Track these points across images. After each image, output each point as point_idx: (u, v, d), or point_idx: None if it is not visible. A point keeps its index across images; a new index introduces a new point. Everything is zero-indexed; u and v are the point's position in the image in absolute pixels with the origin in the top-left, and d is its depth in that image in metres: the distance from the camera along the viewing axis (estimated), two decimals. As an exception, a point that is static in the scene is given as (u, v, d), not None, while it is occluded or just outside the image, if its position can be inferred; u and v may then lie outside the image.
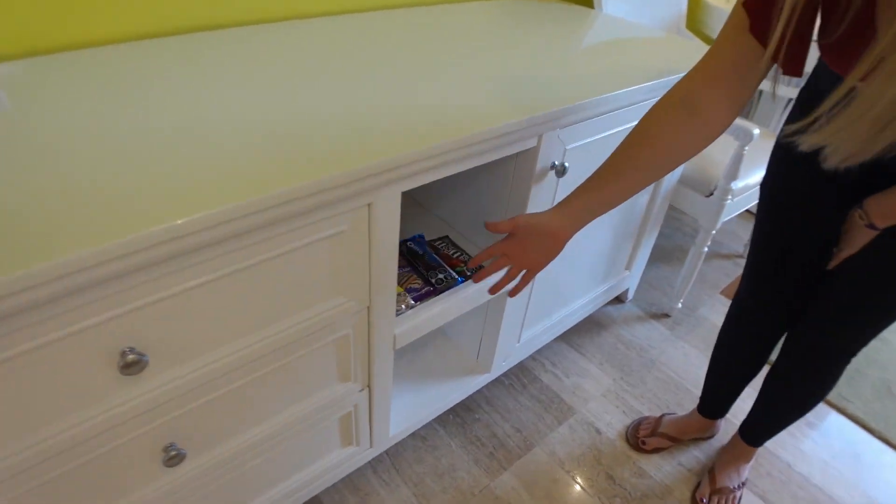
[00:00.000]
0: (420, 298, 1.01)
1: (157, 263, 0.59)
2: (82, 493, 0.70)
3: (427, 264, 1.07)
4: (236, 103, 0.78)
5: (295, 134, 0.72)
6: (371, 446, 1.15)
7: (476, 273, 0.82)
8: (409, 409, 1.24)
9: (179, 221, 0.56)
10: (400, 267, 1.06)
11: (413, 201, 1.32)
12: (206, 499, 0.88)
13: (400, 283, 1.03)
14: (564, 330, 1.55)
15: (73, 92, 0.77)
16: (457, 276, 1.05)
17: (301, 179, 0.64)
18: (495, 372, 1.36)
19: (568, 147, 0.99)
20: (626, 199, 0.75)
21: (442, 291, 1.04)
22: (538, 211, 0.78)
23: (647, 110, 0.73)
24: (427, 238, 1.16)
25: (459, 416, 1.38)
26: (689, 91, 0.70)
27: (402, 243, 1.12)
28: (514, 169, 1.00)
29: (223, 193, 0.60)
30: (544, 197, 1.03)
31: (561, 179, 1.04)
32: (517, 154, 0.97)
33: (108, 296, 0.58)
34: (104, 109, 0.73)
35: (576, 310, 1.49)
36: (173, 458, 0.74)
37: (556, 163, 0.98)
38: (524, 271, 0.81)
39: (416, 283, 1.03)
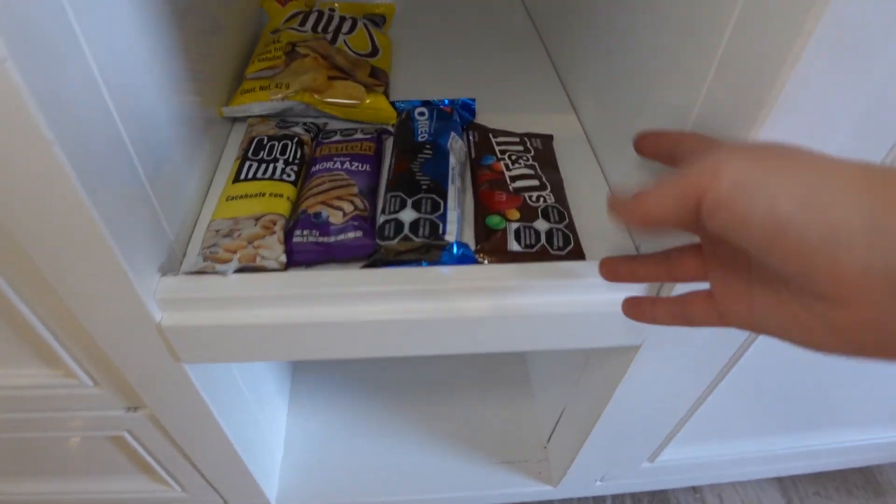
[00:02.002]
0: (309, 259, 0.33)
1: None
2: None
3: (413, 178, 0.36)
4: None
5: None
6: (225, 503, 0.56)
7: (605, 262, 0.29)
8: (389, 471, 0.60)
9: None
10: (356, 158, 0.39)
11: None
12: None
13: (313, 194, 0.36)
14: (791, 474, 0.69)
15: None
16: (450, 240, 0.33)
17: None
18: (568, 491, 0.61)
19: None
20: None
21: (384, 264, 0.33)
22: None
23: None
24: (486, 117, 0.44)
25: (475, 518, 0.69)
26: None
27: (404, 110, 0.43)
28: None
29: None
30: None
31: None
32: None
33: None
34: None
35: (830, 450, 0.61)
36: None
37: None
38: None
39: (340, 210, 0.34)
